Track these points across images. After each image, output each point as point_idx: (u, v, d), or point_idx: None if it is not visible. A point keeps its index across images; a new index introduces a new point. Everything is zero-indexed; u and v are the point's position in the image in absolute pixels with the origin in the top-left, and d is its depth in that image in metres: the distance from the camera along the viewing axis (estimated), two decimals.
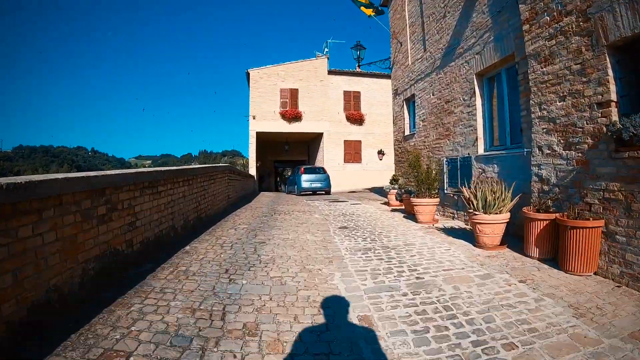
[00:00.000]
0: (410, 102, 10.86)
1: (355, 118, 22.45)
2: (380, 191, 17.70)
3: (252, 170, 22.46)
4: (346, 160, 22.37)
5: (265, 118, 22.30)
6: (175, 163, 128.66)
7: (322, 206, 11.91)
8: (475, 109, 6.71)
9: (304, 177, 17.85)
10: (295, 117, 22.07)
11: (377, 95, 23.43)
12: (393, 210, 10.35)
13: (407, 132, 11.17)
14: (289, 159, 29.09)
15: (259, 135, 22.60)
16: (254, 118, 22.45)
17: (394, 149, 12.44)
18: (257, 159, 23.82)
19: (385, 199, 12.23)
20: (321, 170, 18.32)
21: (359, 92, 23.13)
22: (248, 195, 16.48)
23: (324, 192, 17.94)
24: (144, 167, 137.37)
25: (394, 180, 11.37)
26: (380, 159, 22.92)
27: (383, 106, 23.33)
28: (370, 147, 22.84)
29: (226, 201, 10.04)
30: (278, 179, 32.20)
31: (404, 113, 11.26)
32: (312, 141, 25.43)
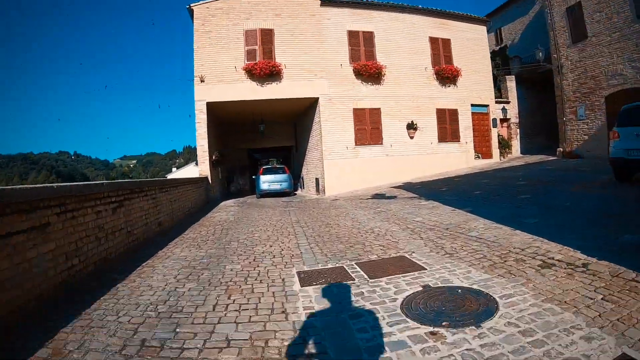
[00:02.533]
0: None
1: (370, 72, 13.47)
2: (428, 192, 8.66)
3: (204, 168, 13.42)
4: (358, 142, 13.31)
5: (222, 79, 13.45)
6: (160, 161, 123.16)
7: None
8: None
9: (263, 178, 16.06)
10: (271, 73, 13.10)
11: (399, 36, 14.92)
12: None
13: None
14: (268, 145, 20.13)
15: (213, 108, 14.10)
16: (201, 81, 13.58)
17: None
18: (215, 147, 14.64)
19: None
20: (282, 170, 16.80)
21: (371, 33, 14.20)
22: (192, 212, 10.21)
23: (284, 194, 15.90)
24: (128, 167, 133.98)
25: None
26: (412, 137, 13.82)
27: (410, 53, 14.41)
28: (394, 118, 14.05)
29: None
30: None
31: None
32: (302, 115, 16.43)
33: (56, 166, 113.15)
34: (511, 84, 19.15)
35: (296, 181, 19.39)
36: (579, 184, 8.61)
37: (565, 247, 4.06)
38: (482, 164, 16.04)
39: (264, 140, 19.82)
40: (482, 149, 16.51)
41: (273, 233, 6.66)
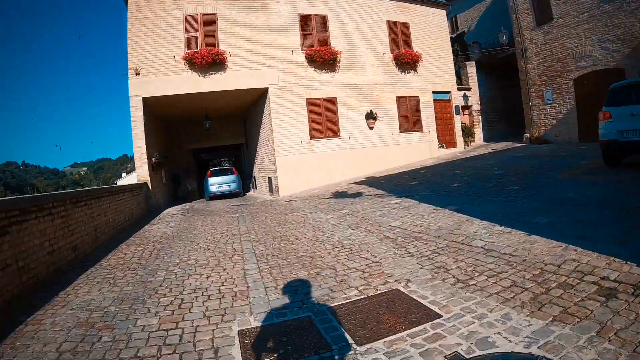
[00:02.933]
0: None
1: (324, 58, 12.22)
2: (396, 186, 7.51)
3: (143, 172, 11.84)
4: (313, 135, 12.07)
5: (160, 71, 11.88)
6: (111, 166, 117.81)
7: None
8: None
9: (211, 180, 15.85)
10: (214, 62, 11.65)
11: (355, 20, 13.93)
12: None
13: None
14: (217, 144, 18.60)
15: (152, 104, 12.63)
16: (136, 74, 11.98)
17: None
18: (156, 148, 13.07)
19: None
20: (230, 171, 16.68)
21: (324, 17, 12.97)
22: (126, 226, 8.61)
23: (234, 195, 15.91)
24: (79, 175, 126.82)
25: None
26: (372, 128, 12.74)
27: (367, 38, 13.45)
28: (351, 108, 12.87)
29: None
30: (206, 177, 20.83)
31: None
32: (252, 109, 14.97)
33: (3, 177, 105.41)
34: (471, 69, 18.51)
35: (248, 181, 17.97)
36: (564, 171, 7.83)
37: (611, 257, 3.09)
38: (447, 153, 15.24)
39: (212, 139, 18.22)
40: (445, 138, 15.72)
41: (215, 253, 5.40)
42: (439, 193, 7.75)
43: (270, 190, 13.34)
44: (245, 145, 17.95)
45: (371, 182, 11.44)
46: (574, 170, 7.72)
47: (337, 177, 12.75)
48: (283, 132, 12.32)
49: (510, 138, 17.34)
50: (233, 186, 15.68)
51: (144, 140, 12.38)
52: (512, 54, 16.63)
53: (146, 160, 12.47)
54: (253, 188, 17.00)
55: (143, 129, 12.32)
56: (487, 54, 19.24)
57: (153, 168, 13.16)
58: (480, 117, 18.52)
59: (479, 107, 18.49)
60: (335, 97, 13.02)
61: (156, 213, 11.25)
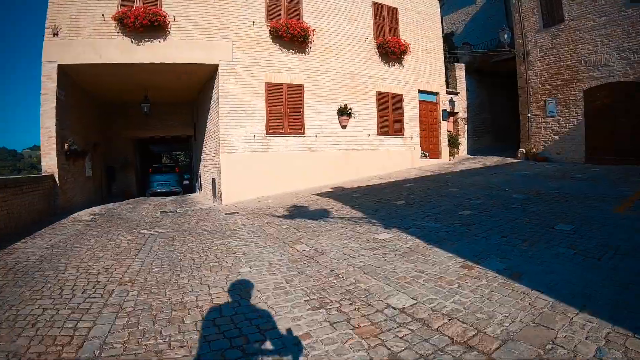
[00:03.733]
0: None
1: (293, 34, 9.60)
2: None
3: (49, 162, 8.96)
4: (271, 130, 9.36)
5: (84, 32, 9.16)
6: None
7: None
8: None
9: (152, 177, 15.67)
10: (151, 25, 8.88)
11: None
12: None
13: None
14: (162, 134, 15.77)
15: (73, 76, 10.16)
16: (54, 34, 9.17)
17: None
18: (82, 134, 10.13)
19: None
20: (171, 170, 16.87)
21: None
22: None
23: (173, 193, 15.46)
24: (38, 158, 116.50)
25: None
26: (344, 126, 10.18)
27: (348, 18, 11.11)
28: (321, 99, 10.22)
29: None
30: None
31: None
32: (202, 95, 12.07)
33: None
34: (460, 72, 16.38)
35: (195, 180, 15.14)
36: (614, 202, 5.70)
37: None
38: (431, 164, 12.94)
39: (155, 127, 15.19)
40: (429, 146, 13.42)
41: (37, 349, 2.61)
42: (450, 226, 5.36)
43: (214, 194, 10.55)
44: (194, 137, 14.99)
45: (341, 195, 8.91)
46: (627, 203, 5.44)
47: (298, 184, 10.12)
48: (232, 123, 9.56)
49: (497, 153, 15.28)
50: (172, 185, 15.67)
51: (54, 121, 9.41)
52: (509, 58, 14.61)
53: (54, 147, 9.47)
54: (198, 189, 14.15)
55: (54, 105, 9.36)
56: (479, 56, 17.19)
57: (68, 157, 10.14)
58: (466, 127, 16.40)
59: (465, 115, 16.37)
60: (302, 85, 10.39)
61: (59, 217, 8.42)
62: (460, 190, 8.10)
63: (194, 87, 12.41)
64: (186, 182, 20.88)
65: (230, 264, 4.43)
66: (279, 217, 7.17)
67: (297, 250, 4.80)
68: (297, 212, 7.41)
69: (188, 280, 3.96)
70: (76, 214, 9.18)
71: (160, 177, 15.87)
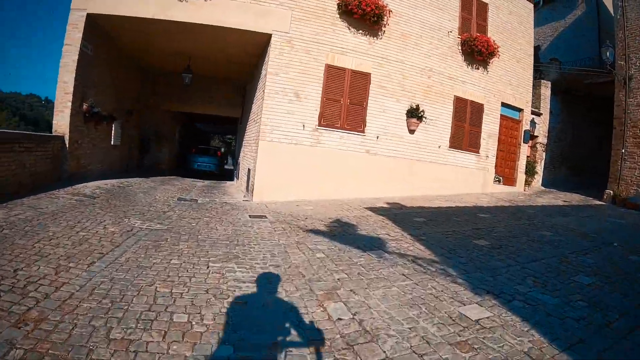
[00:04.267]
0: None
1: (365, 11, 7.85)
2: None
3: (61, 121, 8.05)
4: (325, 122, 7.51)
5: None
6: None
7: None
8: None
9: (195, 157, 16.79)
10: None
11: None
12: None
13: None
14: (207, 112, 14.89)
15: (106, 29, 9.09)
16: None
17: None
18: (113, 97, 8.79)
19: None
20: (214, 152, 18.57)
21: None
22: None
23: (212, 175, 16.67)
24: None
25: None
26: (412, 131, 8.14)
27: (432, 5, 9.73)
28: (389, 94, 8.25)
29: None
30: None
31: None
32: (253, 70, 10.43)
33: (22, 108, 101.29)
34: (546, 91, 13.99)
35: (235, 168, 13.86)
36: None
37: None
38: (504, 192, 10.69)
39: (199, 103, 14.01)
40: (504, 171, 11.15)
41: None
42: (571, 304, 3.32)
43: (247, 188, 8.86)
44: (240, 120, 13.51)
45: (399, 215, 6.94)
46: None
47: (347, 191, 8.22)
48: (279, 107, 7.82)
49: (576, 189, 12.71)
50: (212, 167, 16.91)
51: (74, 75, 8.10)
52: (606, 81, 12.13)
53: (69, 105, 8.17)
54: (236, 178, 12.67)
55: (77, 58, 8.07)
56: (567, 76, 14.70)
57: (87, 119, 8.83)
58: (544, 154, 13.93)
59: (545, 141, 13.91)
60: (369, 74, 8.50)
61: (61, 185, 7.32)
62: (556, 236, 5.89)
63: (244, 64, 10.87)
64: (229, 167, 22.46)
65: (201, 332, 2.56)
66: (314, 234, 5.31)
67: (329, 317, 2.87)
68: (340, 231, 5.51)
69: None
70: (82, 184, 7.80)
71: (202, 158, 16.91)
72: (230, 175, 17.12)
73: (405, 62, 8.96)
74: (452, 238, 5.40)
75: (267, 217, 6.39)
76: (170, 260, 3.88)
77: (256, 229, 5.53)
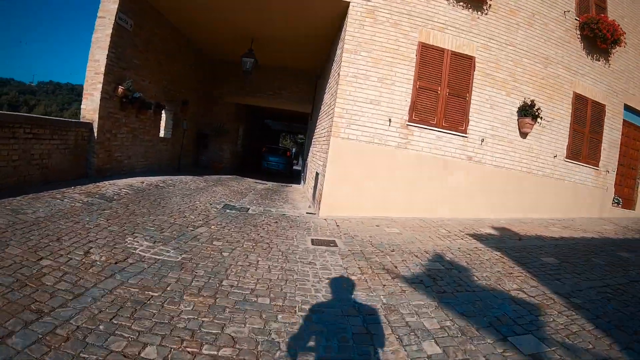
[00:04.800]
0: None
1: None
2: None
3: (91, 105, 6.92)
4: (417, 117, 5.65)
5: None
6: None
7: None
8: None
9: (266, 156, 18.14)
10: None
11: None
12: None
13: None
14: (269, 104, 13.20)
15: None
16: None
17: None
18: (141, 75, 7.23)
19: None
20: (283, 152, 19.52)
21: None
22: None
23: (282, 173, 17.76)
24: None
25: None
26: (525, 135, 5.96)
27: None
28: (498, 85, 6.10)
29: None
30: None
31: None
32: (327, 56, 8.82)
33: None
34: None
35: (303, 169, 12.72)
36: None
37: None
38: (624, 217, 8.38)
39: (265, 96, 12.73)
40: (622, 190, 8.80)
41: None
42: None
43: (313, 196, 7.09)
44: (310, 116, 11.91)
45: (518, 249, 4.95)
46: None
47: (441, 208, 6.23)
48: (358, 94, 5.97)
49: None
50: (281, 166, 18.04)
51: (107, 53, 6.69)
52: None
53: (100, 87, 6.73)
54: (303, 181, 11.05)
55: (111, 33, 6.69)
56: None
57: (123, 105, 7.40)
58: None
59: None
60: (473, 58, 6.51)
61: (85, 181, 6.00)
62: None
63: (315, 50, 9.27)
64: (298, 167, 22.95)
65: None
66: (411, 287, 3.44)
67: None
68: (449, 283, 3.56)
69: None
70: (111, 182, 6.34)
71: (272, 157, 18.07)
72: (298, 177, 15.94)
73: (516, 45, 6.90)
74: (615, 302, 3.34)
75: (336, 245, 4.54)
76: (144, 348, 2.07)
77: (319, 270, 3.69)
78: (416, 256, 4.29)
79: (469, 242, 5.11)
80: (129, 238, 3.80)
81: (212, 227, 4.80)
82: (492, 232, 5.76)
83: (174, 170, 10.26)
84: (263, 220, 5.54)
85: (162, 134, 10.04)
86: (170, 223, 4.66)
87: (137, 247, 3.62)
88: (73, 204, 4.51)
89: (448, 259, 4.27)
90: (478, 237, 5.35)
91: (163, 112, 9.65)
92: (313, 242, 4.64)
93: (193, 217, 5.14)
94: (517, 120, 6.71)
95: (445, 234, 5.38)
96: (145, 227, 4.27)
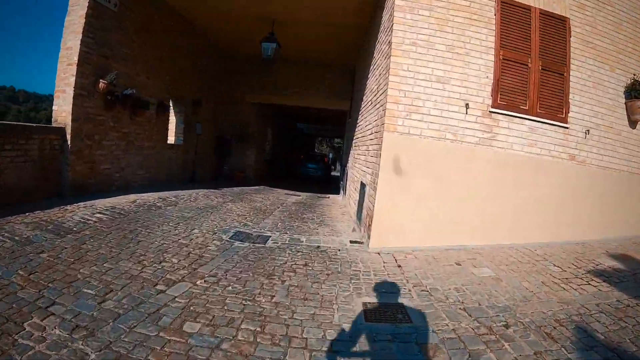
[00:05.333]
0: None
1: None
2: None
3: (61, 104, 5.02)
4: (504, 101, 3.79)
5: None
6: None
7: None
8: None
9: (304, 163, 18.93)
10: None
11: None
12: None
13: None
14: (299, 103, 11.40)
15: None
16: None
17: None
18: (134, 69, 5.48)
19: None
20: (322, 159, 20.09)
21: None
22: None
23: (319, 179, 18.28)
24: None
25: None
26: (635, 123, 4.16)
27: None
28: (600, 59, 4.62)
29: None
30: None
31: None
32: (362, 50, 7.09)
33: None
34: None
35: (342, 177, 10.89)
36: None
37: None
38: None
39: (293, 95, 11.03)
40: None
41: None
42: None
43: (358, 216, 5.27)
44: (349, 114, 10.05)
45: None
46: None
47: (532, 230, 4.44)
48: (418, 69, 4.17)
49: None
50: (319, 173, 18.65)
51: (80, 37, 5.02)
52: None
53: (73, 81, 4.96)
54: (342, 191, 9.35)
55: (85, 13, 5.13)
56: None
57: (108, 104, 5.67)
58: None
59: None
60: (567, 20, 4.73)
61: (56, 202, 4.34)
62: None
63: (348, 32, 7.46)
64: (335, 173, 23.85)
65: None
66: None
67: None
68: None
69: None
70: (89, 202, 4.67)
71: (311, 164, 18.84)
72: (336, 184, 14.64)
73: (614, 4, 5.14)
74: None
75: (407, 316, 2.75)
76: None
77: None
78: (550, 336, 2.49)
79: (601, 288, 3.34)
80: (35, 319, 2.05)
81: (199, 282, 3.02)
82: (615, 264, 3.99)
83: (186, 182, 8.55)
84: (285, 262, 3.75)
85: (171, 140, 8.29)
86: (131, 277, 2.90)
87: (31, 345, 1.85)
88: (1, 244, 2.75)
89: (601, 336, 2.49)
90: (603, 277, 3.58)
91: (171, 113, 7.95)
92: (367, 314, 2.75)
93: (175, 261, 3.38)
94: (625, 103, 4.95)
95: (560, 276, 3.60)
96: (81, 290, 2.54)
